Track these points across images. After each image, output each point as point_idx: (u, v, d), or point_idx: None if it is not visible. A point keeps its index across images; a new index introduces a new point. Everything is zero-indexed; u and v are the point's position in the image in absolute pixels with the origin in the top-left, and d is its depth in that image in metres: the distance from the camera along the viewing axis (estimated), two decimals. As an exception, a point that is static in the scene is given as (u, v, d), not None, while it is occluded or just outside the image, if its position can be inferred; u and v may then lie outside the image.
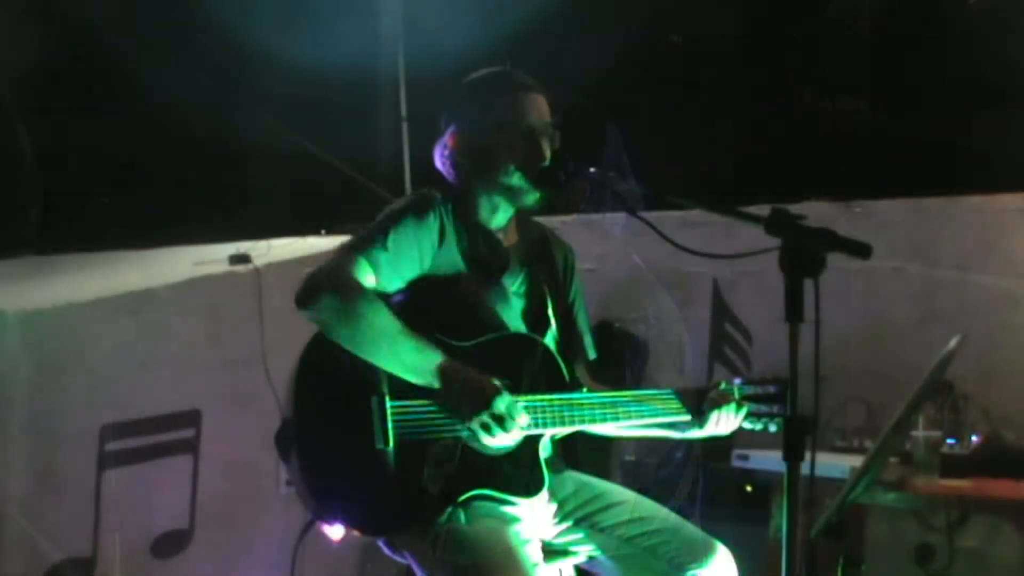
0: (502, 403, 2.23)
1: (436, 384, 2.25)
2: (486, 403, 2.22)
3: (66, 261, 4.74)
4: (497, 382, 2.26)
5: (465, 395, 2.23)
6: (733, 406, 2.45)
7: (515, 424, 2.25)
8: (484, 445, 2.27)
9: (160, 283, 3.72)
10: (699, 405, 2.46)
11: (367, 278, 2.31)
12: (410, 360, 2.26)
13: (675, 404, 2.46)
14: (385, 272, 2.34)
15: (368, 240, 2.35)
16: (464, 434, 2.28)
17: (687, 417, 2.46)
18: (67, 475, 3.34)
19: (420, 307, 2.35)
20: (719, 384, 2.51)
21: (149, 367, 3.58)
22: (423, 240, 2.40)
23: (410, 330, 2.27)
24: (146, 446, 3.53)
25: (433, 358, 2.26)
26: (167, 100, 4.97)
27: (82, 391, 3.38)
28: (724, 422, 2.46)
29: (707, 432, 2.49)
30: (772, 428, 2.46)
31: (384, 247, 2.34)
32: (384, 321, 2.26)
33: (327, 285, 2.28)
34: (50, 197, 5.32)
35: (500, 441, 2.26)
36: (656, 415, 2.45)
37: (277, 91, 5.50)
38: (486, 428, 2.23)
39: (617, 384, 2.53)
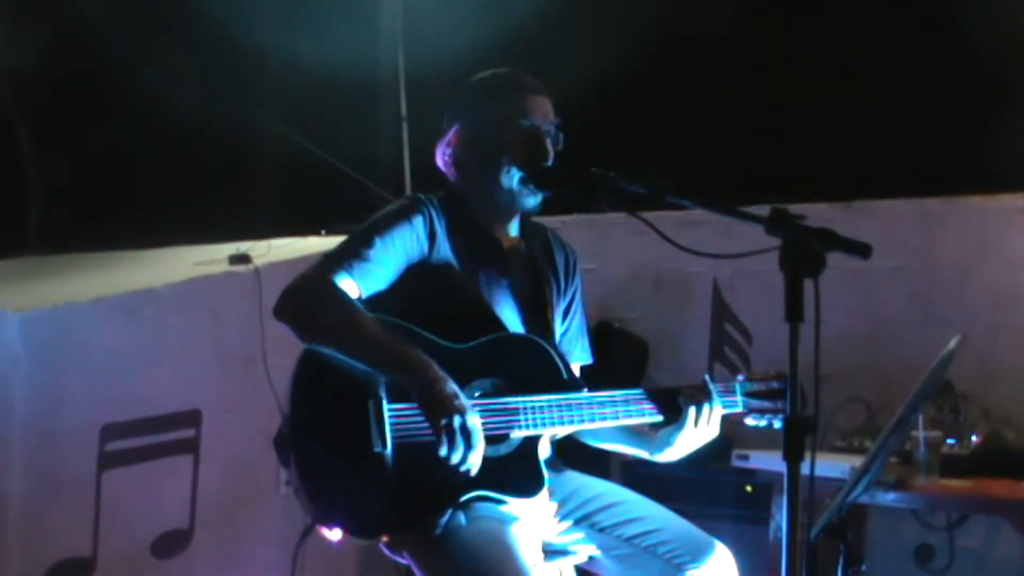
0: (472, 420, 2.21)
1: (413, 386, 2.24)
2: (460, 413, 2.19)
3: (66, 261, 4.74)
4: (465, 401, 2.23)
5: (438, 401, 2.21)
6: (712, 401, 2.39)
7: (477, 444, 2.22)
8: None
9: (160, 283, 3.72)
10: (674, 403, 2.42)
11: (347, 287, 2.32)
12: (385, 367, 2.26)
13: (660, 404, 2.43)
14: (367, 281, 2.34)
15: (348, 250, 2.36)
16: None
17: (679, 416, 2.43)
18: (67, 475, 3.33)
19: (417, 310, 2.35)
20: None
21: (149, 367, 3.58)
22: (410, 246, 2.40)
23: (385, 335, 2.26)
24: (146, 446, 3.53)
25: (410, 362, 2.24)
26: (167, 100, 4.97)
27: (82, 391, 3.37)
28: (704, 418, 2.40)
29: (688, 435, 2.41)
30: (777, 424, 2.44)
31: (365, 256, 2.34)
32: (353, 328, 2.27)
33: (298, 296, 2.31)
34: (50, 197, 5.33)
35: (457, 451, 2.20)
36: (656, 414, 2.44)
37: (277, 91, 5.50)
38: (451, 437, 2.19)
39: (621, 384, 2.51)
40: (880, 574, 3.93)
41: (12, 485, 3.22)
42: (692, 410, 2.39)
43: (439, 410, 2.20)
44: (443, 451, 2.19)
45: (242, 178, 5.61)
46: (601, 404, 2.40)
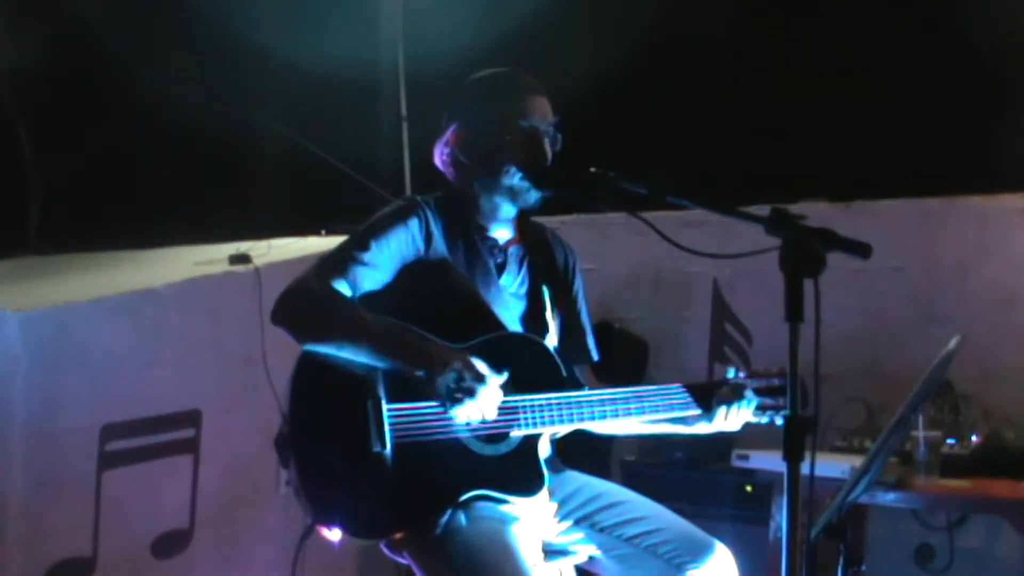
0: (484, 395, 2.24)
1: (416, 372, 2.26)
2: (470, 394, 2.22)
3: (66, 261, 4.74)
4: (480, 373, 2.25)
5: (434, 366, 2.24)
6: (744, 401, 2.45)
7: (492, 415, 2.25)
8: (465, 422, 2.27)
9: (160, 283, 3.72)
10: (706, 399, 2.46)
11: (343, 290, 2.34)
12: (389, 359, 2.27)
13: (678, 399, 2.46)
14: (362, 283, 2.36)
15: (344, 253, 2.37)
16: (462, 433, 2.28)
17: (692, 412, 2.46)
18: (67, 475, 3.33)
19: (416, 310, 2.35)
20: (727, 378, 2.50)
21: (149, 367, 3.58)
22: (405, 248, 2.41)
23: (385, 328, 2.28)
24: (146, 446, 3.53)
25: (413, 350, 2.26)
26: (167, 100, 4.98)
27: (82, 391, 3.37)
28: (733, 417, 2.46)
29: (715, 427, 2.49)
30: (778, 421, 2.46)
31: (360, 259, 2.36)
32: (353, 325, 2.28)
33: (296, 298, 2.33)
34: (50, 197, 5.33)
35: (475, 408, 2.24)
36: (656, 411, 2.45)
37: (277, 91, 5.50)
38: (455, 397, 2.22)
39: (622, 383, 2.51)
40: (880, 574, 3.92)
41: (12, 485, 3.22)
42: (723, 409, 2.45)
43: (450, 399, 2.23)
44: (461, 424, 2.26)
45: (242, 178, 5.62)
46: (601, 402, 2.41)
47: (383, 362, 2.27)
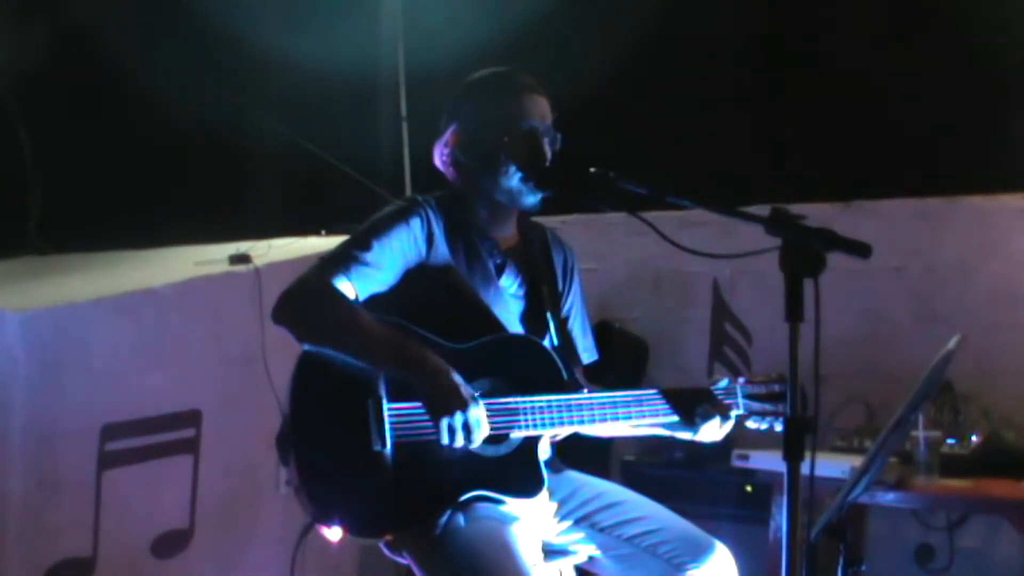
0: (476, 413, 2.22)
1: (415, 382, 2.25)
2: (462, 408, 2.21)
3: (66, 261, 4.74)
4: (468, 393, 2.24)
5: (441, 395, 2.22)
6: (719, 419, 2.45)
7: (478, 437, 2.24)
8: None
9: (160, 283, 3.72)
10: (696, 407, 2.46)
11: (345, 290, 2.33)
12: (387, 363, 2.26)
13: (668, 405, 2.46)
14: (364, 283, 2.35)
15: (346, 253, 2.37)
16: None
17: (671, 417, 2.45)
18: (67, 475, 3.33)
19: (416, 311, 2.35)
20: (717, 388, 2.50)
21: (149, 367, 3.58)
22: (407, 248, 2.40)
23: (385, 333, 2.27)
24: (146, 446, 3.53)
25: (411, 356, 2.25)
26: (167, 100, 4.98)
27: (82, 391, 3.37)
28: (707, 432, 2.46)
29: (699, 439, 2.49)
30: (778, 427, 2.45)
31: (362, 259, 2.35)
32: (353, 327, 2.28)
33: (297, 298, 2.32)
34: (50, 197, 5.33)
35: (458, 444, 2.23)
36: (657, 415, 2.45)
37: (277, 91, 5.51)
38: (452, 433, 2.22)
39: (617, 385, 2.52)
40: (880, 574, 3.92)
41: (12, 485, 3.22)
42: (704, 427, 2.45)
43: (440, 408, 2.21)
44: (443, 442, 2.22)
45: (242, 178, 5.62)
46: (602, 404, 2.40)
47: (379, 368, 2.27)
